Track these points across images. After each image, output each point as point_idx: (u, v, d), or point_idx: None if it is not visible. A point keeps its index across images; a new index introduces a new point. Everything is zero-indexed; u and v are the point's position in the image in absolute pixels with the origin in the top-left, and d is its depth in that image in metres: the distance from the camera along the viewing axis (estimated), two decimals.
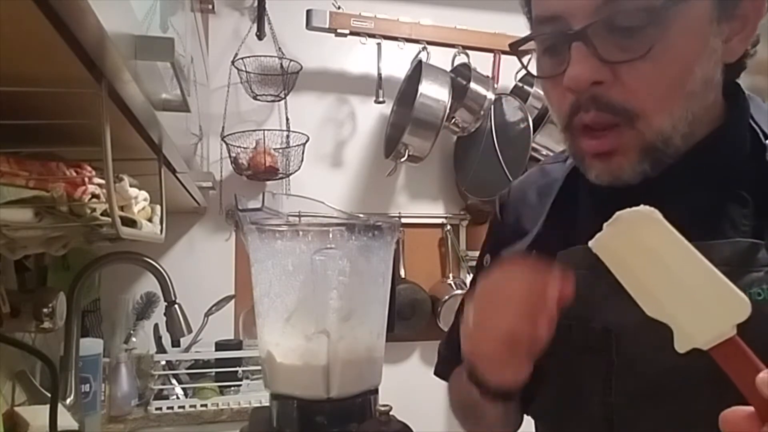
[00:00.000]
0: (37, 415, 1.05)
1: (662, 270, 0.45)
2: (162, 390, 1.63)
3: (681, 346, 0.43)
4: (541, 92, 2.31)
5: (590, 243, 0.47)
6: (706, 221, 0.54)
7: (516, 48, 0.59)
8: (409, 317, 2.00)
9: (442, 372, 0.79)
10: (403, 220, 2.04)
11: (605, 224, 0.46)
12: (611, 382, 0.56)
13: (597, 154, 0.54)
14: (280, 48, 1.93)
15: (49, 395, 0.94)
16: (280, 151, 1.88)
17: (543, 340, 0.53)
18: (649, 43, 0.49)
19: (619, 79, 0.51)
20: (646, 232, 0.45)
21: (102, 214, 0.65)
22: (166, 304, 1.32)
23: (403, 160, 1.86)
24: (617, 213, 0.46)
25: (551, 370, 0.59)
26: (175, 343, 1.63)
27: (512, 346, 0.53)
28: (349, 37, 1.88)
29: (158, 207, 0.89)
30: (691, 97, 0.52)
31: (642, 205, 0.46)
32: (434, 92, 1.80)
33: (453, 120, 1.91)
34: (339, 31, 1.86)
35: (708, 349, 0.42)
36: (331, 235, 0.88)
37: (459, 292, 2.01)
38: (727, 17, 0.52)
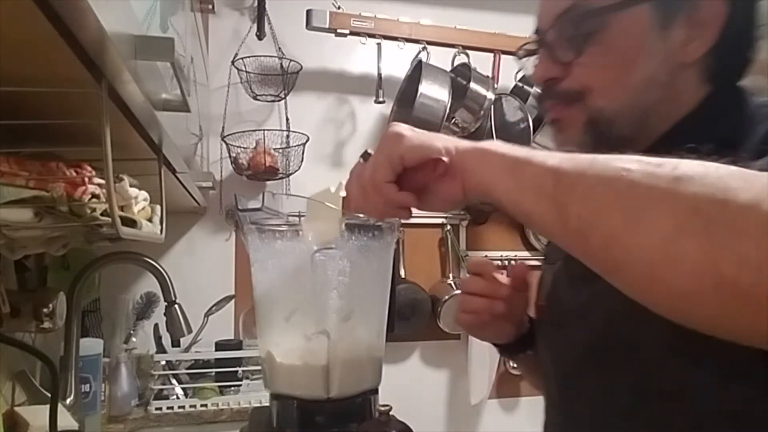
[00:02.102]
0: (37, 415, 1.05)
1: None
2: (162, 390, 1.63)
3: None
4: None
5: None
6: None
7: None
8: (409, 317, 1.99)
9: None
10: (403, 220, 2.04)
11: None
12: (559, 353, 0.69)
13: (553, 121, 0.67)
14: (280, 48, 1.93)
15: (49, 395, 0.94)
16: (280, 151, 1.88)
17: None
18: (590, 46, 0.60)
19: (569, 74, 0.62)
20: None
21: (102, 214, 0.65)
22: (166, 304, 1.32)
23: None
24: None
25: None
26: (175, 343, 1.63)
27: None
28: (349, 37, 1.88)
29: (158, 207, 0.89)
30: (638, 92, 0.60)
31: None
32: (434, 92, 1.80)
33: (453, 120, 1.91)
34: (339, 31, 1.86)
35: None
36: None
37: (459, 291, 2.01)
38: (680, 24, 0.58)
